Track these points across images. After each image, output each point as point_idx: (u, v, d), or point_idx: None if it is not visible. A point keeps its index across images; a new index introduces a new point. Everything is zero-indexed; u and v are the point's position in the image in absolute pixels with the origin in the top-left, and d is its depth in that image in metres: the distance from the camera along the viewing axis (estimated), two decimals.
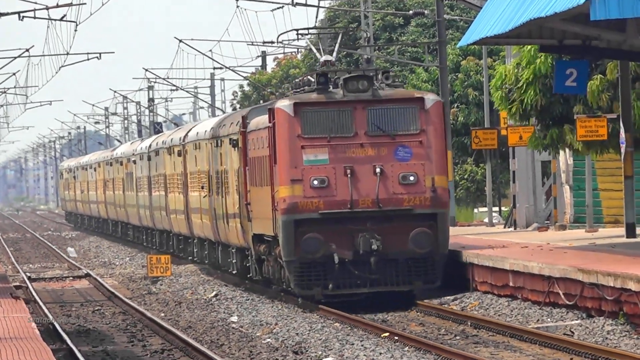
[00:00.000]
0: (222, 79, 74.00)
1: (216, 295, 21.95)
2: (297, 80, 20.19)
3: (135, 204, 41.33)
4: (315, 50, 23.32)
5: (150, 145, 38.43)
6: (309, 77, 18.63)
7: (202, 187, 26.78)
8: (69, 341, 13.23)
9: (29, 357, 9.71)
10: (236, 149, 21.49)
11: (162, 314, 19.03)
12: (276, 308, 18.38)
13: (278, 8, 38.20)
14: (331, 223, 16.71)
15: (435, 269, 16.78)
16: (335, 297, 17.02)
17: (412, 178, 16.66)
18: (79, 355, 11.80)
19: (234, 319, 16.94)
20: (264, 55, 59.82)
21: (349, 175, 16.54)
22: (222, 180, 23.90)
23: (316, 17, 41.67)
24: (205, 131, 26.46)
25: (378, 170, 16.57)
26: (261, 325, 15.25)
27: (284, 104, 16.93)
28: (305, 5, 35.81)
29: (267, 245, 19.32)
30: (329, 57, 19.42)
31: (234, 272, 24.13)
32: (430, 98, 17.32)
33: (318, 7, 38.51)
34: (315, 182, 16.62)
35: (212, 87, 71.70)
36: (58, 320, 17.35)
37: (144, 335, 15.57)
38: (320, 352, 11.44)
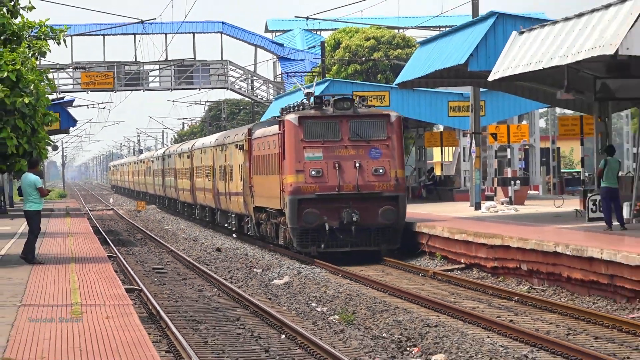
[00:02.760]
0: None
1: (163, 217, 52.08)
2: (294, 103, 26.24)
3: (152, 183, 64.60)
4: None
5: (164, 152, 57.80)
6: (304, 100, 25.07)
7: (207, 175, 38.47)
8: (104, 234, 34.41)
9: (86, 240, 26.07)
10: (242, 150, 30.09)
11: (141, 224, 43.90)
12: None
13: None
14: (324, 201, 22.95)
15: (396, 236, 23.41)
16: (327, 255, 23.24)
17: (381, 171, 22.92)
18: (108, 239, 31.96)
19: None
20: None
21: (337, 168, 22.81)
22: (226, 171, 33.97)
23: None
24: (210, 142, 39.19)
25: (357, 164, 22.72)
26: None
27: (291, 117, 23.28)
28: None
29: (267, 214, 26.96)
30: (310, 90, 25.94)
31: (233, 229, 33.94)
32: (394, 115, 24.07)
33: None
34: (313, 173, 22.84)
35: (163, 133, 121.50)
36: (100, 224, 42.27)
37: (134, 233, 39.21)
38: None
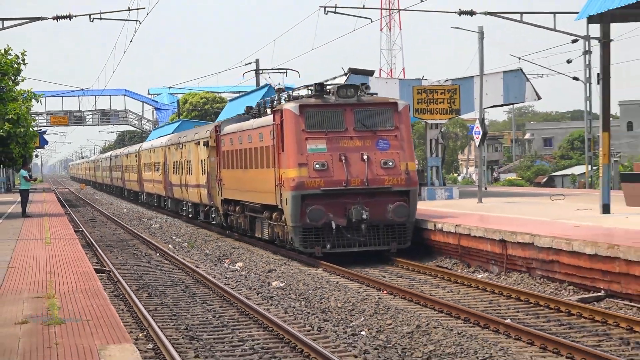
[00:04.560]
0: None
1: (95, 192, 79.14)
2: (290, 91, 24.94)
3: (100, 175, 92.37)
4: None
5: (111, 155, 79.87)
6: (301, 89, 23.15)
7: (157, 170, 46.28)
8: (63, 201, 59.46)
9: (53, 204, 46.92)
10: (206, 147, 30.94)
11: (83, 197, 74.59)
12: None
13: None
14: (329, 197, 20.80)
15: (407, 234, 21.55)
16: (331, 255, 21.14)
17: (390, 163, 21.04)
18: (65, 204, 55.90)
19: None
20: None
21: (343, 161, 20.84)
22: (183, 166, 37.84)
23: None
24: (161, 143, 46.01)
25: (365, 157, 20.69)
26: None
27: (291, 106, 21.05)
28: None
29: (241, 207, 26.45)
30: (281, 86, 24.85)
31: (189, 216, 37.77)
32: (401, 103, 22.24)
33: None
34: (317, 166, 20.61)
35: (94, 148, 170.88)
36: (61, 197, 71.46)
37: (79, 201, 65.30)
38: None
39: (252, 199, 24.99)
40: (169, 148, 42.15)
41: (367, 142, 21.28)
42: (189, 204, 37.51)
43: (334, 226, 20.98)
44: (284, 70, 26.00)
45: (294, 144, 21.04)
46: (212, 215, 32.06)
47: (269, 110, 24.44)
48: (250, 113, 27.07)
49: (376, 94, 23.31)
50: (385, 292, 16.73)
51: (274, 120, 21.96)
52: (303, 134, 21.02)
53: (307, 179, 20.84)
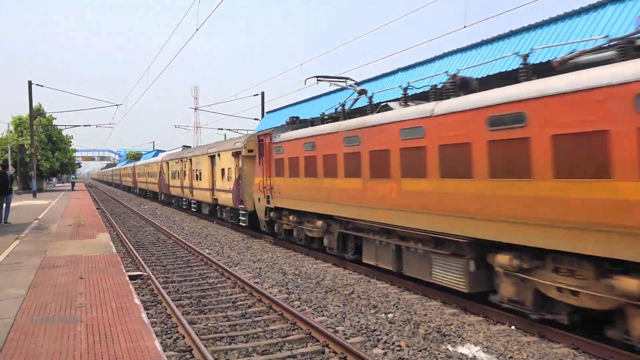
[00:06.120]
0: None
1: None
2: None
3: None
4: None
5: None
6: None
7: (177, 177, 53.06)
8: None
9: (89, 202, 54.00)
10: (236, 157, 33.05)
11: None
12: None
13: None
14: None
15: None
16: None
17: None
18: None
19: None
20: None
21: None
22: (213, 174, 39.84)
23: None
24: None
25: None
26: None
27: None
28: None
29: (296, 216, 24.56)
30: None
31: (228, 220, 36.53)
32: None
33: None
34: None
35: None
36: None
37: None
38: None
39: (323, 210, 21.74)
40: (207, 157, 43.25)
41: None
42: (227, 209, 37.83)
43: None
44: (344, 80, 25.82)
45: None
46: (242, 218, 31.97)
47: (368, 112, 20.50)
48: (330, 116, 24.17)
49: None
50: None
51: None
52: None
53: None
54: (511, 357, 11.41)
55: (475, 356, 11.43)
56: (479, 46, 26.43)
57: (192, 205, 46.26)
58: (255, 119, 61.41)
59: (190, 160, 46.44)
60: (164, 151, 77.97)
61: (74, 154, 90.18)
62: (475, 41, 26.59)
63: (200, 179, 43.25)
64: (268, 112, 58.46)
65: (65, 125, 74.01)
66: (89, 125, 68.88)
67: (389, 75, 33.81)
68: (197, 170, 44.43)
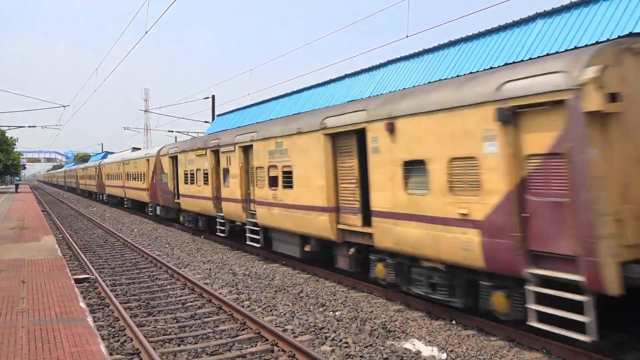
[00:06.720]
0: None
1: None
2: None
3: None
4: None
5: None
6: None
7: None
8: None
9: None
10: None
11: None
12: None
13: None
14: None
15: None
16: None
17: None
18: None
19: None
20: None
21: None
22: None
23: None
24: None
25: None
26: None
27: None
28: None
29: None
30: None
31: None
32: None
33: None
34: None
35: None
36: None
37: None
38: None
39: None
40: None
41: None
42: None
43: None
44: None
45: None
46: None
47: None
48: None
49: None
50: None
51: None
52: None
53: None
54: (452, 351, 11.72)
55: (418, 350, 11.67)
56: (421, 55, 26.53)
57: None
58: (205, 122, 61.54)
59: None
60: (114, 153, 76.01)
61: (18, 156, 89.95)
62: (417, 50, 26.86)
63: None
64: (218, 115, 58.71)
65: (9, 126, 72.79)
66: (34, 127, 66.68)
67: (337, 81, 33.74)
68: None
